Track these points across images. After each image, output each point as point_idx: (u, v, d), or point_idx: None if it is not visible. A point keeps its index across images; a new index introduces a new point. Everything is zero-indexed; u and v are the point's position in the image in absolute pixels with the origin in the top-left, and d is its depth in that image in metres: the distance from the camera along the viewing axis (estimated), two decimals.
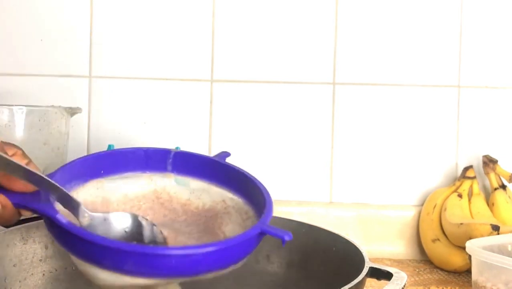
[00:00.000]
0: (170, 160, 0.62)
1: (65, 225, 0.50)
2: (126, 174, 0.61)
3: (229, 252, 0.51)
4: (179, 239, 0.58)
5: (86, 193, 0.59)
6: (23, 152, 0.56)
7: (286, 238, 0.50)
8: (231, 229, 0.59)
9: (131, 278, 0.50)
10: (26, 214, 0.54)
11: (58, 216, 0.50)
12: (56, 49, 1.03)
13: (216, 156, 0.63)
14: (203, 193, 0.62)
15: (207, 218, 0.60)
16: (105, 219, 0.55)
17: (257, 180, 0.59)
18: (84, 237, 0.49)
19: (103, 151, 0.61)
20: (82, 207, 0.54)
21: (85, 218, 0.54)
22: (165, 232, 0.57)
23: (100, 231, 0.55)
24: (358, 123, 1.03)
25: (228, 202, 0.61)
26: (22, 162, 0.54)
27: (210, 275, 0.52)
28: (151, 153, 0.62)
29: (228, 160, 0.62)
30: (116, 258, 0.49)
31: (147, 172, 0.62)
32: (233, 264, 0.53)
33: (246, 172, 0.60)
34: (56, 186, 0.52)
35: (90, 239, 0.49)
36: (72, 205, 0.53)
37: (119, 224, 0.56)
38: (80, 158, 0.59)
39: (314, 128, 1.03)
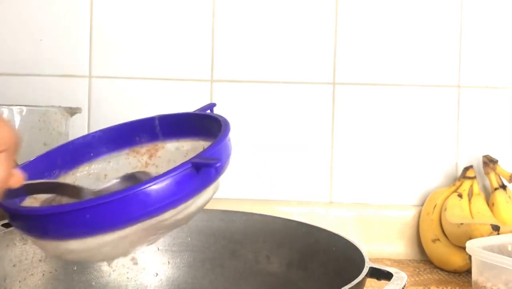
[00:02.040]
0: (158, 128, 0.61)
1: (19, 210, 0.49)
2: (120, 152, 0.61)
3: (159, 191, 0.46)
4: None
5: (80, 176, 0.59)
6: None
7: (217, 165, 0.47)
8: None
9: (63, 242, 0.48)
10: None
11: (16, 207, 0.50)
12: (56, 49, 1.03)
13: (200, 108, 0.62)
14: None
15: None
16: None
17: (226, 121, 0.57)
18: (34, 212, 0.48)
19: (88, 134, 0.60)
20: (85, 189, 0.52)
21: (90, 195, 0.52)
22: None
23: None
24: (358, 123, 1.03)
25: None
26: None
27: (166, 217, 0.48)
28: (136, 125, 0.61)
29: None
30: (68, 221, 0.47)
31: (138, 145, 0.61)
32: (172, 205, 0.48)
33: (220, 116, 0.58)
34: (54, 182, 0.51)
35: (39, 213, 0.48)
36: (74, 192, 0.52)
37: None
38: (63, 144, 0.58)
39: (314, 128, 1.03)
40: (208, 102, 1.02)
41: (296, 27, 1.03)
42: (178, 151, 0.61)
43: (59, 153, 0.59)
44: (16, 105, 0.84)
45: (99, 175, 0.61)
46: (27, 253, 0.69)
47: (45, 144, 0.85)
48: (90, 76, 1.03)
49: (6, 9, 1.03)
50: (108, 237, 0.47)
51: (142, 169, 0.61)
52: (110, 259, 0.63)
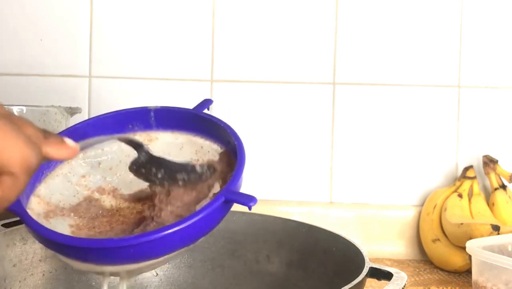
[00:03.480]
0: (153, 118, 0.61)
1: (29, 223, 0.50)
2: (111, 137, 0.61)
3: (193, 228, 0.49)
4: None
5: (74, 165, 0.59)
6: None
7: (251, 204, 0.49)
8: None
9: (98, 266, 0.50)
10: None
11: (24, 213, 0.50)
12: (56, 49, 1.03)
13: (198, 105, 0.62)
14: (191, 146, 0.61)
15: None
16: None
17: (236, 135, 0.57)
18: (43, 235, 0.49)
19: (81, 122, 0.60)
20: None
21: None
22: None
23: None
24: (358, 123, 1.03)
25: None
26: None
27: (181, 251, 0.51)
28: (130, 114, 0.61)
29: None
30: (77, 252, 0.49)
31: (131, 132, 0.61)
32: (200, 237, 0.52)
33: (223, 122, 0.58)
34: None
35: (49, 237, 0.49)
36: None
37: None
38: (59, 133, 0.58)
39: (314, 128, 1.03)
40: None
41: (296, 27, 1.03)
42: (173, 143, 0.61)
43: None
44: (16, 105, 0.84)
45: (93, 163, 0.61)
46: (27, 253, 0.69)
47: None
48: (90, 76, 1.03)
49: (6, 9, 1.03)
50: (143, 263, 0.51)
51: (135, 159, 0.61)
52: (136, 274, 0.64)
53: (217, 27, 1.03)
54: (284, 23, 1.03)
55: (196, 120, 0.61)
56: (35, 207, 0.55)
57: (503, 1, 1.01)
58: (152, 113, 0.61)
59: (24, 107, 0.84)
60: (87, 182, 0.60)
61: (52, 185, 0.58)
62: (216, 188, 0.57)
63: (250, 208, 0.50)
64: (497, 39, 1.02)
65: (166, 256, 0.51)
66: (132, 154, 0.60)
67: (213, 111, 1.03)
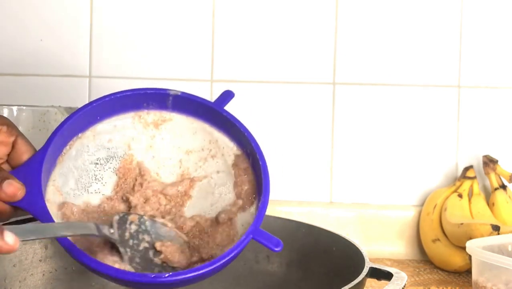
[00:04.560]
0: (170, 101, 0.61)
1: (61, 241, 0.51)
2: (125, 115, 0.60)
3: (221, 266, 0.52)
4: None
5: (83, 143, 0.59)
6: (8, 126, 0.54)
7: (277, 249, 0.51)
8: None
9: None
10: (22, 213, 0.54)
11: (72, 247, 0.51)
12: (56, 49, 1.03)
13: (218, 99, 0.61)
14: (205, 134, 0.60)
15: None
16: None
17: (256, 144, 0.58)
18: (80, 259, 0.51)
19: (99, 98, 0.58)
20: (100, 226, 0.53)
21: (112, 234, 0.54)
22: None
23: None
24: (358, 123, 1.03)
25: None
26: (9, 139, 0.53)
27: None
28: (150, 95, 0.60)
29: None
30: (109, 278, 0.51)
31: (144, 110, 0.61)
32: (218, 271, 0.53)
33: (248, 132, 0.59)
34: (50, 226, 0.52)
35: (84, 262, 0.50)
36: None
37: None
38: (74, 113, 0.57)
39: (314, 128, 1.03)
40: None
41: (296, 27, 1.03)
42: (187, 126, 0.61)
43: (79, 118, 0.58)
44: (16, 105, 0.84)
45: (103, 141, 0.60)
46: (27, 253, 0.69)
47: None
48: (90, 76, 1.03)
49: (6, 9, 1.03)
50: None
51: (148, 140, 0.60)
52: None
53: (217, 27, 1.03)
54: (284, 23, 1.03)
55: (214, 114, 0.60)
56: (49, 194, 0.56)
57: (503, 1, 1.01)
58: (170, 98, 0.60)
59: (24, 107, 0.84)
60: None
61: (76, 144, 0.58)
62: (230, 197, 0.57)
63: (274, 251, 0.51)
64: (497, 39, 1.02)
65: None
66: (144, 134, 0.59)
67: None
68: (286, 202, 1.02)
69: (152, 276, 0.50)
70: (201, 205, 0.59)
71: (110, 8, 1.03)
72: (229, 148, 0.60)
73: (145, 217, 0.56)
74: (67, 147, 0.58)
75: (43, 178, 0.54)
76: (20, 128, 0.83)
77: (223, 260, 0.51)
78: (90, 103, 0.58)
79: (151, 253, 0.55)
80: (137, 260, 0.54)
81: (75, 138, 0.59)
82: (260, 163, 0.56)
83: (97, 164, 0.59)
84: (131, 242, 0.54)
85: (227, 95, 0.61)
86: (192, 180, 0.60)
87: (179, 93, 0.60)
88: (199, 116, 0.61)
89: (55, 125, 0.86)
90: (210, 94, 1.03)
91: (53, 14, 1.03)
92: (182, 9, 1.03)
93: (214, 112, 0.60)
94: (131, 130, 0.60)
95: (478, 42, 1.02)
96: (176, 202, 0.59)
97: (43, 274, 0.70)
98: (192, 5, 1.03)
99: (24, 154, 0.53)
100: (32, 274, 0.69)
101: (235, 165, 0.59)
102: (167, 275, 0.50)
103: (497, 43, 1.02)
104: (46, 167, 0.54)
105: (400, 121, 1.03)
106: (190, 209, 0.59)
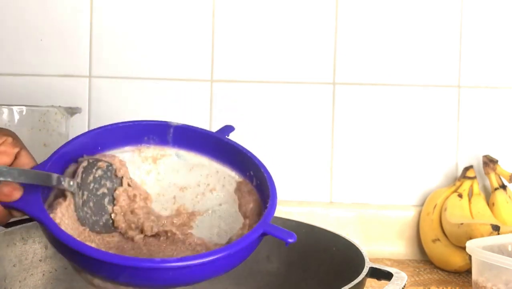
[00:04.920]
0: (171, 134, 0.60)
1: (53, 230, 0.49)
2: (125, 148, 0.60)
3: (229, 259, 0.50)
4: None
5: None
6: (14, 138, 0.55)
7: (290, 240, 0.49)
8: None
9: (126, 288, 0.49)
10: (17, 215, 0.54)
11: (46, 218, 0.50)
12: (56, 49, 1.03)
13: (219, 130, 0.61)
14: (202, 169, 0.60)
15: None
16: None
17: (263, 165, 0.56)
18: (71, 245, 0.48)
19: (98, 127, 0.59)
20: (61, 178, 0.53)
21: (71, 186, 0.53)
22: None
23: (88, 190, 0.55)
24: (358, 123, 1.03)
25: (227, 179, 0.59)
26: (13, 151, 0.53)
27: (208, 280, 0.51)
28: (150, 126, 0.60)
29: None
30: (109, 270, 0.48)
31: (145, 145, 0.61)
32: (232, 268, 0.51)
33: (249, 152, 0.58)
34: (44, 174, 0.51)
35: (78, 249, 0.48)
36: (57, 181, 0.52)
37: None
38: (77, 137, 0.57)
39: (314, 128, 1.03)
40: (208, 102, 1.03)
41: (296, 27, 1.03)
42: (185, 162, 0.61)
43: (76, 146, 0.58)
44: (16, 105, 0.84)
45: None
46: (27, 253, 0.69)
47: (45, 145, 0.86)
48: (90, 76, 1.03)
49: (6, 9, 1.03)
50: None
51: (143, 176, 0.60)
52: None
53: (217, 27, 1.03)
54: (284, 23, 1.03)
55: (216, 145, 0.60)
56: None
57: (503, 1, 1.01)
58: (171, 130, 0.60)
59: (24, 107, 0.84)
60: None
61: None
62: (238, 223, 0.56)
63: (287, 244, 0.49)
64: (497, 39, 1.02)
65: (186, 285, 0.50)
66: (142, 167, 0.59)
67: (213, 111, 1.03)
68: (286, 202, 1.02)
69: (157, 260, 0.49)
70: (205, 234, 0.59)
71: (110, 8, 1.03)
72: (230, 177, 0.60)
73: (114, 167, 0.57)
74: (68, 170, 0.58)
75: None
76: (20, 128, 0.83)
77: (228, 251, 0.49)
78: (91, 130, 0.59)
79: (107, 200, 0.56)
80: (91, 204, 0.55)
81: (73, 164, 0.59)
82: (265, 175, 0.55)
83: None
84: (91, 185, 0.56)
85: (226, 128, 0.61)
86: (191, 214, 0.60)
87: (180, 124, 0.60)
88: (199, 149, 0.61)
89: (55, 125, 0.87)
90: (210, 94, 1.03)
91: (53, 14, 1.03)
92: (182, 9, 1.03)
93: (214, 142, 0.60)
94: (129, 165, 0.60)
95: (478, 42, 1.02)
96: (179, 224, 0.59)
97: (43, 274, 0.70)
98: (192, 5, 1.03)
99: (25, 166, 0.54)
100: (32, 274, 0.69)
101: (237, 190, 0.59)
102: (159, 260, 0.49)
103: (497, 43, 1.02)
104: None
105: (400, 121, 1.02)
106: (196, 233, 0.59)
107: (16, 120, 0.83)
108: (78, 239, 0.52)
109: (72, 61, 1.03)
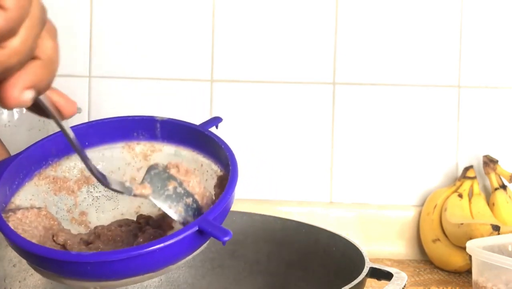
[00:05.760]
0: (159, 129, 0.60)
1: (6, 233, 0.48)
2: (114, 144, 0.60)
3: (159, 254, 0.47)
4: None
5: (69, 166, 0.58)
6: None
7: (225, 239, 0.47)
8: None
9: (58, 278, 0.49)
10: None
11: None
12: None
13: (205, 122, 0.60)
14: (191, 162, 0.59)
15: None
16: None
17: (233, 158, 0.55)
18: (23, 246, 0.48)
19: (84, 123, 0.58)
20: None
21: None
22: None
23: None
24: (358, 123, 1.03)
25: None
26: None
27: (146, 277, 0.49)
28: (137, 121, 0.59)
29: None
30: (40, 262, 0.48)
31: (135, 141, 0.60)
32: (169, 264, 0.49)
33: (225, 144, 0.56)
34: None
35: (29, 250, 0.47)
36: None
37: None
38: (58, 131, 0.56)
39: (314, 128, 1.03)
40: (208, 102, 1.03)
41: (296, 27, 1.03)
42: (177, 158, 0.60)
43: (55, 141, 0.58)
44: None
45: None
46: None
47: None
48: (90, 76, 1.03)
49: None
50: (99, 282, 0.49)
51: (135, 172, 0.60)
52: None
53: (217, 27, 1.03)
54: (284, 23, 1.03)
55: (200, 137, 0.59)
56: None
57: (503, 1, 1.01)
58: (158, 124, 0.60)
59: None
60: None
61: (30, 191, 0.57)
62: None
63: (224, 243, 0.47)
64: (497, 39, 1.02)
65: (125, 280, 0.48)
66: (132, 163, 0.59)
67: (213, 111, 1.03)
68: (286, 202, 1.02)
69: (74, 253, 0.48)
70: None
71: (110, 8, 1.03)
72: (212, 170, 0.59)
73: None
74: (50, 165, 0.58)
75: (6, 181, 0.53)
76: (20, 128, 0.83)
77: (158, 245, 0.47)
78: (76, 125, 0.58)
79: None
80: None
81: (56, 160, 0.58)
82: (231, 168, 0.54)
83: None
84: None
85: (214, 119, 0.61)
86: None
87: (166, 119, 0.60)
88: (186, 143, 0.60)
89: (54, 125, 0.86)
90: (210, 94, 1.03)
91: (53, 14, 1.02)
92: (182, 9, 1.03)
93: (199, 135, 0.59)
94: (118, 161, 0.60)
95: (478, 42, 1.02)
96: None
97: None
98: (192, 5, 1.03)
99: None
100: (32, 274, 0.69)
101: (216, 186, 0.58)
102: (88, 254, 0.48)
103: (497, 43, 1.02)
104: (14, 171, 0.54)
105: (400, 122, 1.03)
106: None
107: (15, 120, 0.83)
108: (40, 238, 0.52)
109: (72, 61, 1.03)
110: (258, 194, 1.02)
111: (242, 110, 1.03)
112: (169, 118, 0.60)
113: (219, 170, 0.58)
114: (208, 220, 0.48)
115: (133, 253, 0.47)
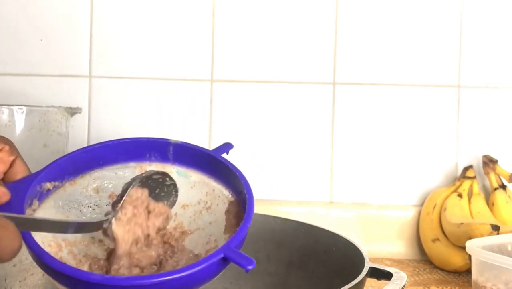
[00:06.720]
0: (171, 151, 0.61)
1: (30, 246, 0.50)
2: (127, 164, 0.61)
3: (186, 280, 0.49)
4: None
5: (83, 184, 0.59)
6: (11, 146, 0.56)
7: (249, 267, 0.48)
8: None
9: None
10: None
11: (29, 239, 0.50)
12: (56, 49, 1.03)
13: (217, 148, 0.61)
14: (203, 187, 0.60)
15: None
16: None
17: (248, 187, 0.56)
18: (51, 265, 0.49)
19: (99, 143, 0.59)
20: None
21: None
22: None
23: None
24: (358, 123, 1.03)
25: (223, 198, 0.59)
26: (9, 158, 0.54)
27: None
28: (150, 143, 0.61)
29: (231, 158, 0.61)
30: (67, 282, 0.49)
31: (147, 162, 0.61)
32: (194, 288, 0.51)
33: (239, 171, 0.58)
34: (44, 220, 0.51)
35: (40, 257, 0.49)
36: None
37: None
38: (75, 151, 0.58)
39: (314, 128, 1.03)
40: (208, 102, 1.03)
41: (296, 27, 1.03)
42: (186, 180, 0.61)
43: (75, 158, 0.59)
44: (16, 105, 0.84)
45: (102, 185, 0.60)
46: (27, 253, 0.69)
47: (45, 145, 0.85)
48: (90, 76, 1.03)
49: (7, 9, 1.03)
50: None
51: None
52: None
53: (217, 27, 1.03)
54: (284, 23, 1.03)
55: (212, 163, 0.60)
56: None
57: (503, 1, 1.01)
58: (171, 147, 0.61)
59: (24, 107, 0.84)
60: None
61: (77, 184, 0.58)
62: (221, 241, 0.56)
63: (247, 271, 0.48)
64: (497, 39, 1.02)
65: None
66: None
67: (213, 111, 1.03)
68: (286, 202, 1.02)
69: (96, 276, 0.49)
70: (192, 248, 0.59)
71: (110, 8, 1.03)
72: (224, 196, 0.60)
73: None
74: (65, 183, 0.58)
75: (30, 196, 0.54)
76: (20, 129, 0.83)
77: (187, 271, 0.49)
78: (91, 145, 0.59)
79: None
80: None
81: (72, 178, 0.59)
82: (247, 196, 0.55)
83: (90, 206, 0.60)
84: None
85: (225, 145, 0.62)
86: (183, 233, 0.60)
87: (179, 142, 0.60)
88: (198, 167, 0.61)
89: (55, 125, 0.87)
90: (210, 94, 1.03)
91: (53, 14, 1.03)
92: (182, 9, 1.03)
93: (211, 160, 0.60)
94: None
95: (478, 42, 1.02)
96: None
97: (43, 274, 0.70)
98: (192, 5, 1.03)
99: (18, 174, 0.55)
100: (32, 273, 0.69)
101: (227, 212, 0.59)
102: (124, 278, 0.49)
103: (497, 43, 1.02)
104: (36, 189, 0.55)
105: (400, 121, 1.03)
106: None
107: (16, 120, 0.83)
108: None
109: (72, 61, 1.03)
110: (258, 194, 1.02)
111: (242, 110, 1.03)
112: (183, 142, 0.61)
113: (230, 196, 0.59)
114: (231, 248, 0.50)
115: (165, 277, 0.48)
